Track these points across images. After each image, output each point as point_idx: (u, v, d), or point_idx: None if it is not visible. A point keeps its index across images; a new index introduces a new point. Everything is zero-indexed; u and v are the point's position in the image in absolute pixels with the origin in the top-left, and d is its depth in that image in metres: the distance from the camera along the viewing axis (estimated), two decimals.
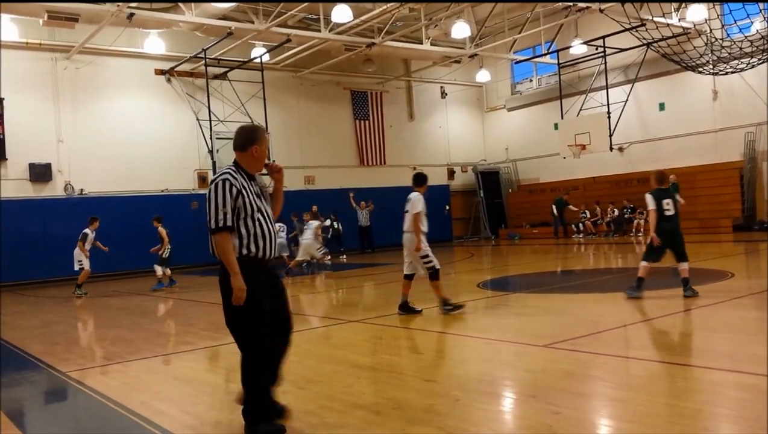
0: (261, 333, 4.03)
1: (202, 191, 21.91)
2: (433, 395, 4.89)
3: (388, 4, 18.52)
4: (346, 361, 6.17)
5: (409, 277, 8.70)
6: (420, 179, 8.78)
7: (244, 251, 4.02)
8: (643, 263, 8.81)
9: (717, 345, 6.15)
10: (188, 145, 21.60)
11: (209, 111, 19.84)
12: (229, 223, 3.95)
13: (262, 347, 4.05)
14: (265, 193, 4.23)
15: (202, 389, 5.71)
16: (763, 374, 4.76)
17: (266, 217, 4.13)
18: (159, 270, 14.53)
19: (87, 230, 14.33)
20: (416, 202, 8.46)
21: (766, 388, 4.37)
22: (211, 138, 19.67)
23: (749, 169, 20.67)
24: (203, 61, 19.76)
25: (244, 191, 4.01)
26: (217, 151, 19.46)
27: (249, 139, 4.15)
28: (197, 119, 21.06)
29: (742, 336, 6.46)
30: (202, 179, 21.97)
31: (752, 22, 18.66)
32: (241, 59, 20.83)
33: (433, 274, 8.53)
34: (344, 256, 21.42)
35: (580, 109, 22.25)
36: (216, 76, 21.36)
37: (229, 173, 4.04)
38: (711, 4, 17.85)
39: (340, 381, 5.39)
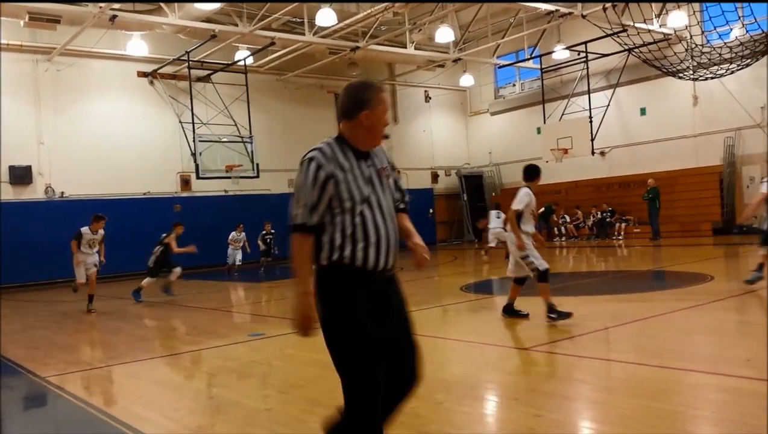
0: (366, 367, 2.93)
1: (184, 194, 21.78)
2: (416, 398, 4.85)
3: (375, 7, 18.51)
4: (329, 366, 6.12)
5: (518, 282, 7.89)
6: (532, 172, 7.82)
7: (335, 256, 2.88)
8: (761, 251, 9.09)
9: (697, 347, 6.22)
10: (171, 148, 21.45)
11: (192, 113, 19.70)
12: (300, 221, 2.86)
13: (367, 385, 2.94)
14: (383, 176, 3.02)
15: (184, 394, 5.68)
16: (743, 376, 4.83)
17: (381, 211, 2.94)
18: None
19: (85, 228, 11.61)
20: (518, 197, 7.67)
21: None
22: (194, 140, 19.52)
23: (728, 174, 20.93)
24: (186, 64, 19.65)
25: (340, 174, 2.87)
26: (200, 153, 19.34)
27: (357, 102, 2.94)
28: (180, 122, 20.89)
29: (722, 339, 6.55)
30: (185, 182, 21.83)
31: (731, 29, 18.97)
32: (225, 62, 20.73)
33: (541, 275, 7.51)
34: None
35: (563, 114, 22.42)
36: (199, 79, 21.25)
37: (319, 150, 2.92)
38: (691, 11, 18.06)
39: (324, 386, 5.36)
